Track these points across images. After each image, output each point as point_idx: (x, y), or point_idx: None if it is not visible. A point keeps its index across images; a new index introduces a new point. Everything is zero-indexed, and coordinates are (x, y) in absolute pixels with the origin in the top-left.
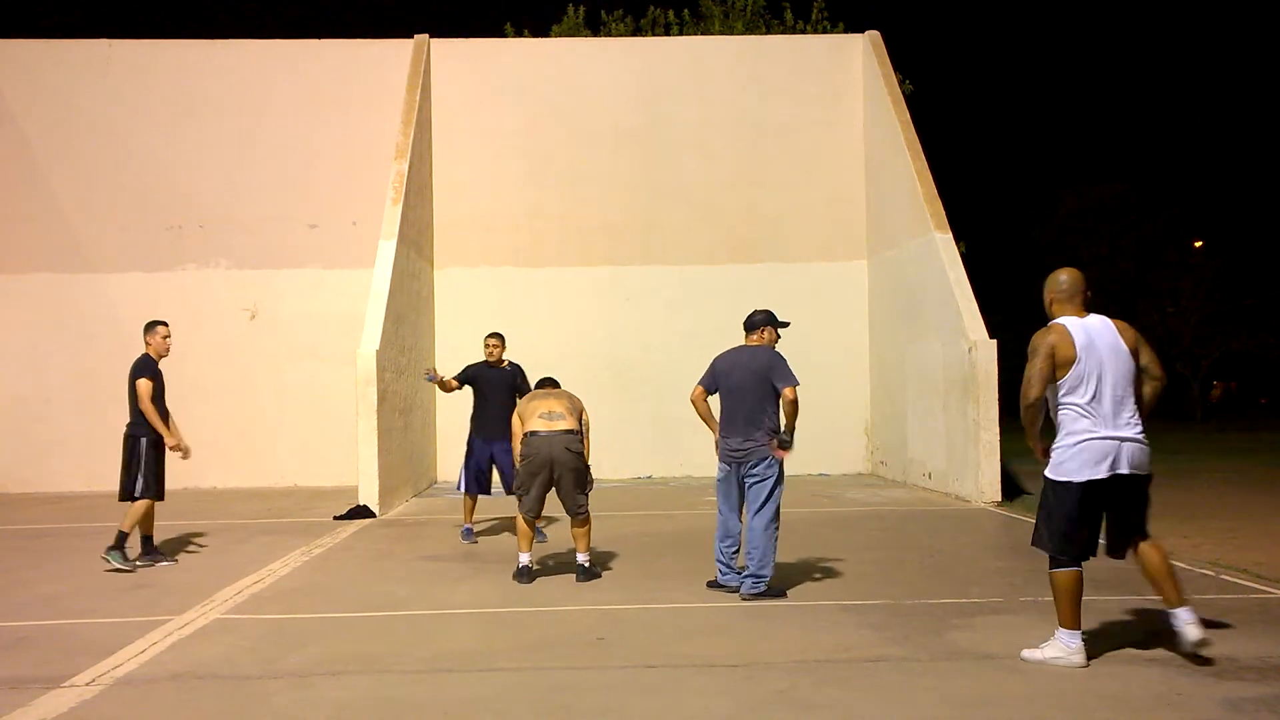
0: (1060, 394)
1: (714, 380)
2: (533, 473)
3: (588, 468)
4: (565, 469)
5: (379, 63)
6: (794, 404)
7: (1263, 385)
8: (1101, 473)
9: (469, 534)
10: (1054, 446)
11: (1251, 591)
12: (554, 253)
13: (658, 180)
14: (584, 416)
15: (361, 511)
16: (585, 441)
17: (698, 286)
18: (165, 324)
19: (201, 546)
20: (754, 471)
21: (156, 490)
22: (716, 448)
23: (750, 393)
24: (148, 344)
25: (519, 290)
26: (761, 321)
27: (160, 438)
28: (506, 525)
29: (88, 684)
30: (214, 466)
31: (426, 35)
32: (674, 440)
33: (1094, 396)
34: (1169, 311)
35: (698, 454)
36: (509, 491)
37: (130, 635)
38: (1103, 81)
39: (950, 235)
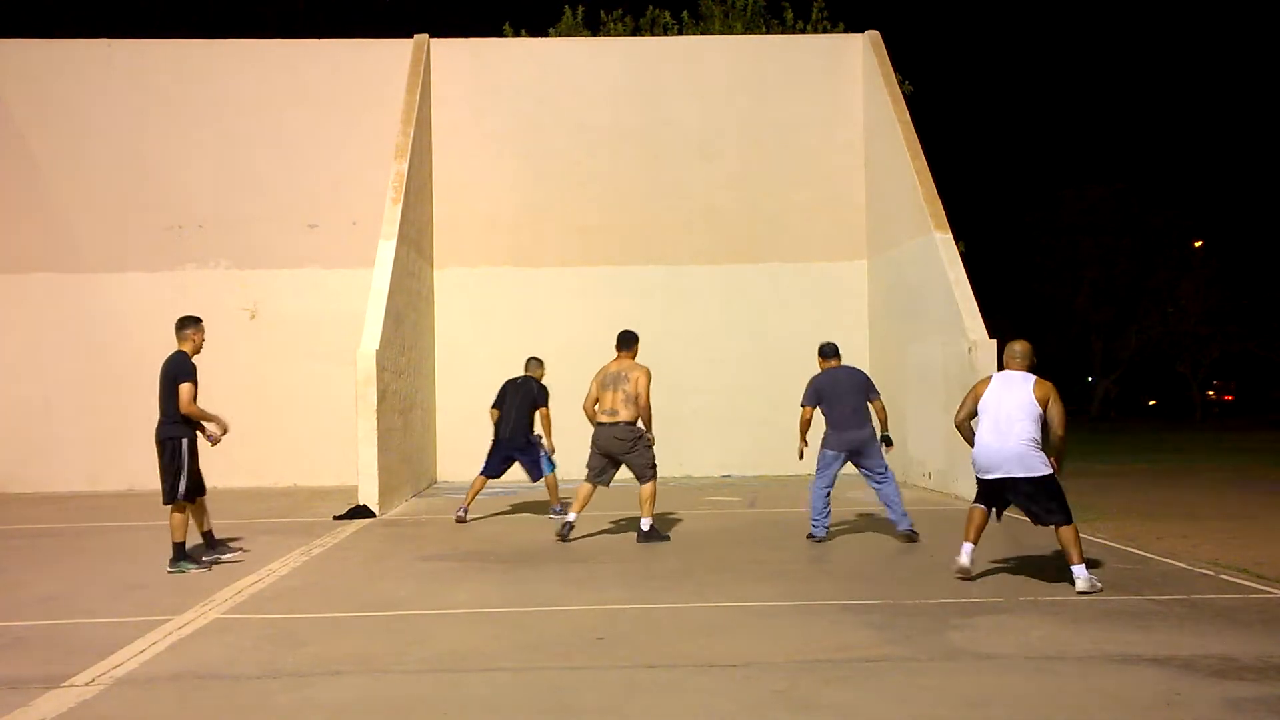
0: None
1: (817, 395)
2: (599, 454)
3: (641, 438)
4: (621, 454)
5: (379, 63)
6: (884, 409)
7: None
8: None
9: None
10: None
11: (1251, 591)
12: (554, 253)
13: (658, 180)
14: (640, 387)
15: (361, 511)
16: (645, 411)
17: (698, 286)
18: None
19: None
20: (871, 451)
21: None
22: (824, 440)
23: (854, 396)
24: None
25: (519, 290)
26: (836, 350)
27: None
28: (506, 525)
29: (88, 684)
30: (213, 466)
31: (426, 35)
32: (674, 440)
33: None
34: (1169, 311)
35: (697, 454)
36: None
37: (130, 635)
38: (1102, 81)
39: (950, 235)
